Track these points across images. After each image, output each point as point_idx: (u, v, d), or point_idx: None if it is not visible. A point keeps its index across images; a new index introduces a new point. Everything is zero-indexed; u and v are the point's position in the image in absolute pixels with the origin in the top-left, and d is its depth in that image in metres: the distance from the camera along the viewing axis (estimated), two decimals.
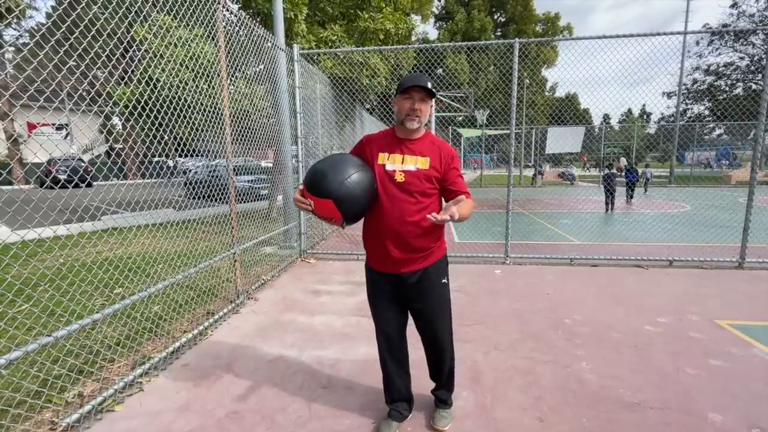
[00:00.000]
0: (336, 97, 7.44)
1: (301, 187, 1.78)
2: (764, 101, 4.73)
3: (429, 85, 1.73)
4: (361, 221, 1.94)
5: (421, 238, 1.81)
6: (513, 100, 4.99)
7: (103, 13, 2.27)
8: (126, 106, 4.82)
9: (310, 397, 2.36)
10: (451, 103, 19.26)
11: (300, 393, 2.40)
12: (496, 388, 2.43)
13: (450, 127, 23.97)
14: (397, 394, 2.09)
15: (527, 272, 4.85)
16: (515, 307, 3.73)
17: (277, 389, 2.44)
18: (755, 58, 24.48)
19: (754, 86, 24.58)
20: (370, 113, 10.53)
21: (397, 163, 1.80)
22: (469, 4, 30.04)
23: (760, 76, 24.07)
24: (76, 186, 2.46)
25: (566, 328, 3.25)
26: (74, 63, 2.22)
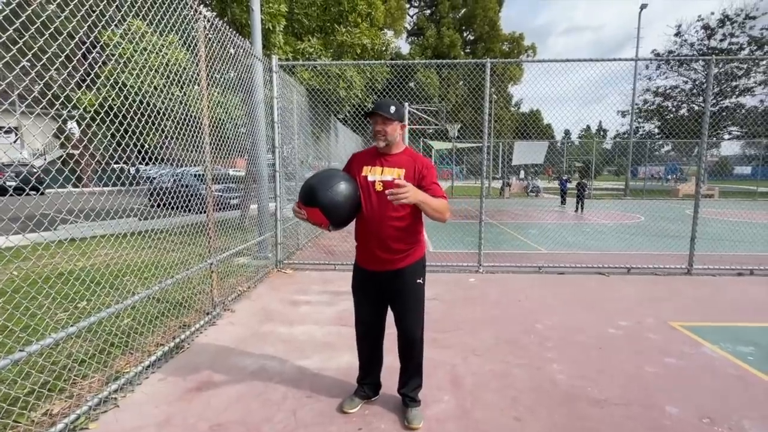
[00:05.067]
0: (312, 108, 7.49)
1: (296, 201, 2.05)
2: (705, 123, 5.26)
3: (392, 109, 2.02)
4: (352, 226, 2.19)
5: (399, 241, 2.07)
6: (485, 116, 5.25)
7: (60, 13, 2.21)
8: (87, 111, 4.64)
9: (295, 406, 2.37)
10: (422, 116, 19.74)
11: (284, 403, 2.40)
12: (475, 390, 2.54)
13: (421, 139, 24.49)
14: (367, 377, 2.37)
15: (499, 280, 5.05)
16: (490, 313, 3.88)
17: (261, 400, 2.43)
18: (697, 82, 26.82)
19: (696, 108, 26.86)
20: (344, 124, 10.64)
21: (377, 174, 2.07)
22: (439, 21, 31.06)
23: (701, 98, 26.37)
24: (23, 193, 2.31)
25: (538, 332, 3.44)
26: (28, 63, 2.15)
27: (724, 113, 26.02)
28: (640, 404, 2.39)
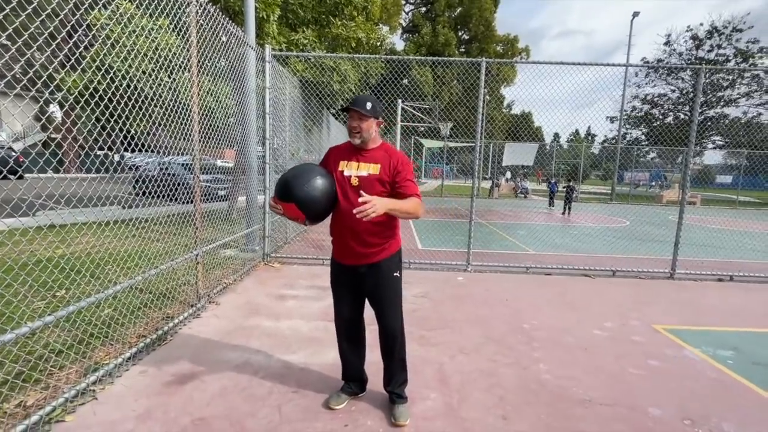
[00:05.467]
0: (305, 100, 7.40)
1: (272, 195, 2.05)
2: (693, 131, 5.35)
3: (369, 106, 2.00)
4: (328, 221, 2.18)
5: (374, 235, 2.07)
6: (479, 115, 5.25)
7: None
8: (71, 93, 4.47)
9: (280, 401, 2.33)
10: (415, 113, 19.73)
11: (269, 398, 2.36)
12: (462, 389, 2.54)
13: (413, 137, 24.50)
14: (350, 372, 2.36)
15: (487, 280, 5.07)
16: (478, 312, 3.89)
17: (245, 395, 2.39)
18: (684, 91, 27.41)
19: (682, 116, 27.47)
20: (336, 118, 10.55)
21: (353, 170, 2.07)
22: (435, 19, 31.03)
23: (687, 107, 26.97)
24: (5, 178, 2.21)
25: (525, 332, 3.46)
26: (7, 42, 2.05)
27: (709, 123, 26.66)
28: (625, 405, 2.42)
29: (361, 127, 2.02)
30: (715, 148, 28.02)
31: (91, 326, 2.97)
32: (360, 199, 1.79)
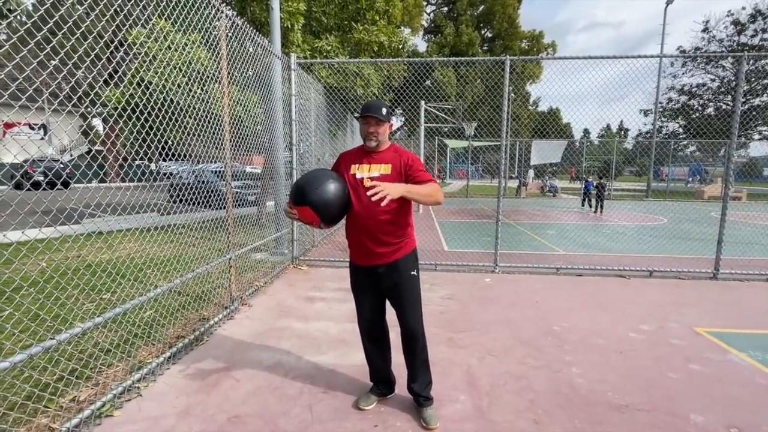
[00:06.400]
0: (329, 106, 7.53)
1: (287, 202, 2.13)
2: (735, 122, 5.06)
3: (384, 111, 2.09)
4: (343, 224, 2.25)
5: (388, 234, 2.13)
6: (504, 114, 5.18)
7: (89, 14, 2.27)
8: (114, 108, 4.77)
9: (311, 401, 2.40)
10: (439, 114, 19.60)
11: (301, 398, 2.43)
12: (492, 392, 2.51)
13: (436, 138, 24.35)
14: (377, 373, 2.40)
15: (516, 281, 4.98)
16: (506, 314, 3.84)
17: (278, 394, 2.47)
18: (725, 80, 25.81)
19: (724, 106, 25.87)
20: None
21: (364, 172, 2.14)
22: (457, 19, 30.76)
23: (729, 97, 25.38)
24: (54, 187, 2.39)
25: (555, 334, 3.38)
26: (58, 63, 2.22)
27: (754, 112, 24.95)
28: (664, 411, 2.32)
29: (378, 131, 2.11)
30: (761, 139, 26.18)
31: (135, 327, 3.15)
32: (370, 183, 1.91)
